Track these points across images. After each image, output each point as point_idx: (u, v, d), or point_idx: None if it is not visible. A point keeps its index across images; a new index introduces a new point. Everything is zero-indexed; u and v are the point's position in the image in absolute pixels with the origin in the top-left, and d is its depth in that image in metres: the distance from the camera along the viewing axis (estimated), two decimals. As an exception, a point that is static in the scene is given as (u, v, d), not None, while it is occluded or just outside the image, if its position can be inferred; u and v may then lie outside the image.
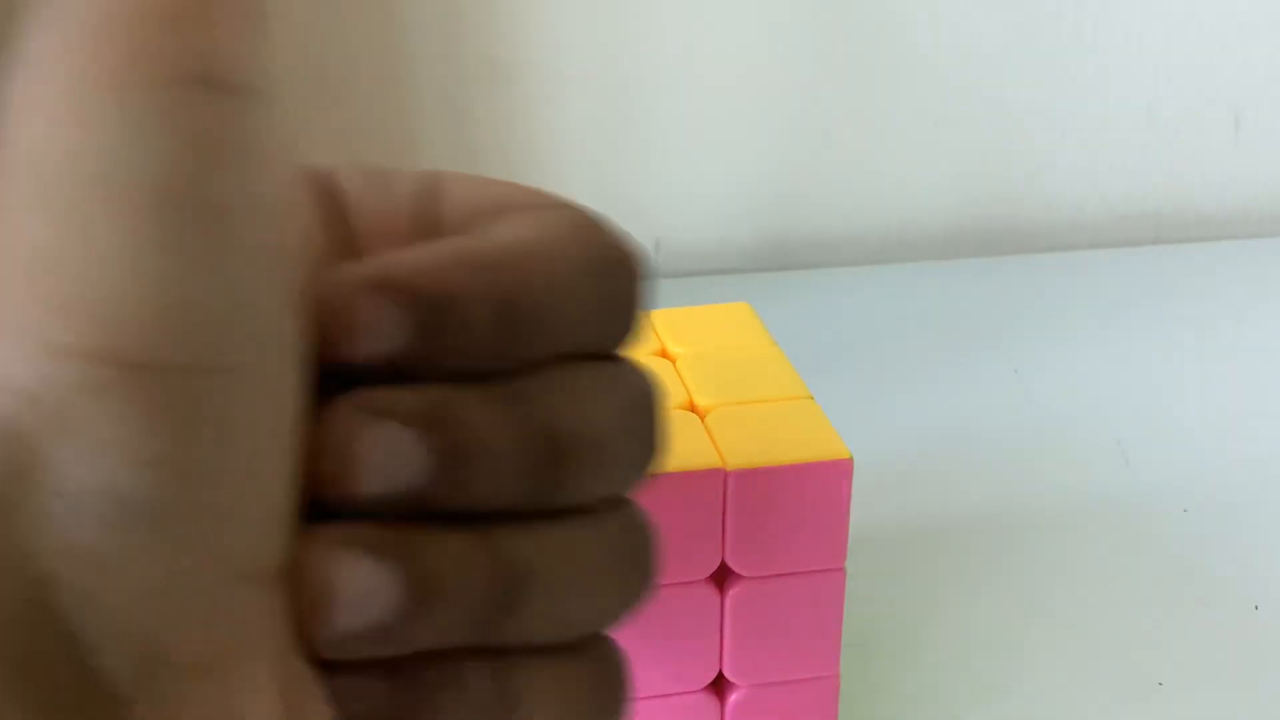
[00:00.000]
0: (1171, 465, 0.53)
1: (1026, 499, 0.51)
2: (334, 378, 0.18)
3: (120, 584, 0.15)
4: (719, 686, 0.35)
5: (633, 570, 0.20)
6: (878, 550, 0.47)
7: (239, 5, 0.16)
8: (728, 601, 0.33)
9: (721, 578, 0.33)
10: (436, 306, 0.17)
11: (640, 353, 0.42)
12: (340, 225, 0.20)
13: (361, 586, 0.17)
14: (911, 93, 0.72)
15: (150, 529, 0.15)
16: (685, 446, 0.33)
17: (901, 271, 0.72)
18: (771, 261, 0.75)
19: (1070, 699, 0.41)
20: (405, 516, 0.18)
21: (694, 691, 0.34)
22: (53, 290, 0.15)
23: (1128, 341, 0.63)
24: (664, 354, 0.42)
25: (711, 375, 0.40)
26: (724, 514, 0.33)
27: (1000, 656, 0.43)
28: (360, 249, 0.20)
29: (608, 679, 0.20)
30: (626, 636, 0.21)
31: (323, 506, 0.17)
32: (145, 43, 0.15)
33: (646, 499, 0.21)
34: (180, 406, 0.15)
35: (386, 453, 0.17)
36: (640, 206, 0.73)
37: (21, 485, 0.15)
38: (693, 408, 0.39)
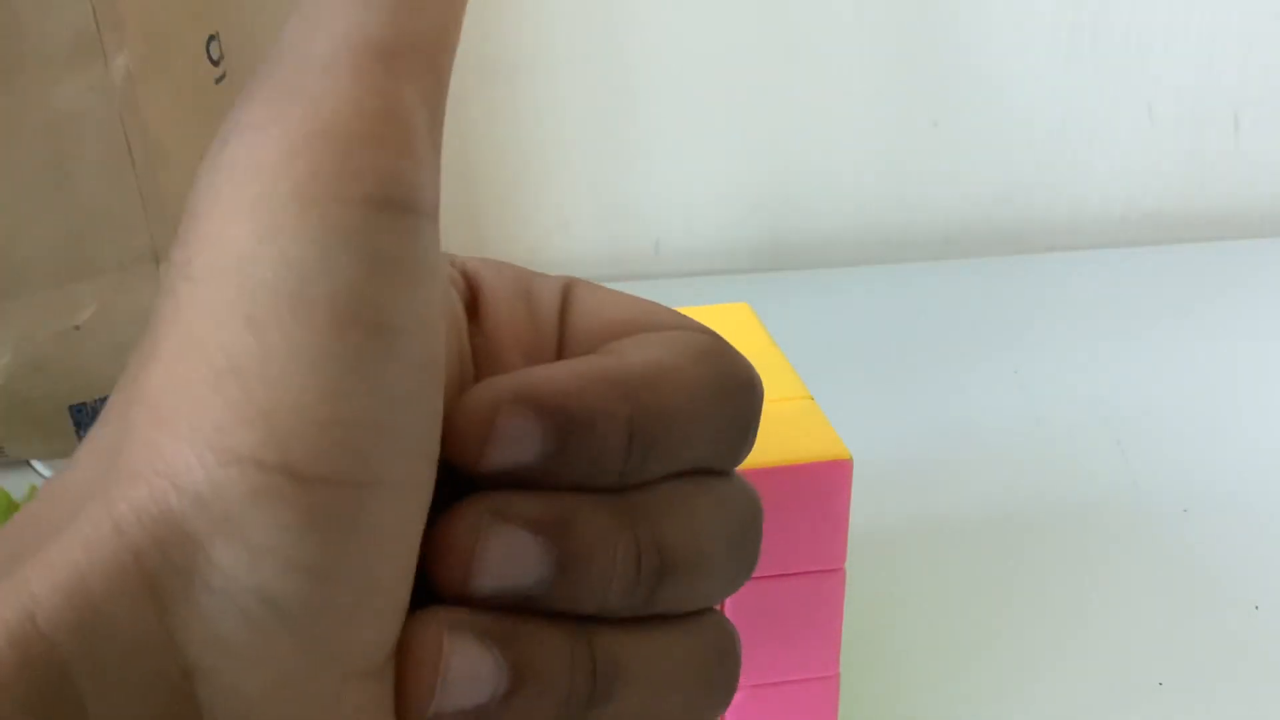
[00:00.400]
0: (1171, 465, 0.53)
1: (1026, 499, 0.51)
2: (452, 474, 0.18)
3: (253, 677, 0.16)
4: (719, 686, 0.35)
5: (716, 679, 0.20)
6: (878, 550, 0.47)
7: (417, 130, 0.17)
8: (727, 601, 0.33)
9: (721, 578, 0.33)
10: (573, 424, 0.18)
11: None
12: (476, 325, 0.21)
13: (470, 669, 0.17)
14: (911, 93, 0.72)
15: (289, 628, 0.16)
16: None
17: (901, 271, 0.72)
18: (771, 261, 0.75)
19: (1070, 699, 0.41)
20: (510, 608, 0.18)
21: (694, 691, 0.34)
22: (238, 398, 0.15)
23: (1128, 341, 0.63)
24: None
25: (711, 375, 0.40)
26: (724, 514, 0.33)
27: (1000, 656, 0.43)
28: (493, 349, 0.21)
29: None
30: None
31: (430, 590, 0.18)
32: (342, 163, 0.16)
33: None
34: (335, 517, 0.16)
35: (508, 555, 0.18)
36: (640, 206, 0.73)
37: (181, 580, 0.15)
38: (693, 408, 0.39)
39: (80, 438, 0.53)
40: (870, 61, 0.71)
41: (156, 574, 0.15)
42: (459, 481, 0.18)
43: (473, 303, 0.21)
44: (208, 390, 0.16)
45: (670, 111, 0.71)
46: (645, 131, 0.72)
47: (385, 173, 0.16)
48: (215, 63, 0.54)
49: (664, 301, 0.47)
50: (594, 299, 0.22)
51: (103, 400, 0.52)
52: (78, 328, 0.50)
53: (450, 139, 0.73)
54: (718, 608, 0.21)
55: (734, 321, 0.43)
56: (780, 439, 0.34)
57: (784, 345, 0.41)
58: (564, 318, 0.21)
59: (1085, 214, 0.76)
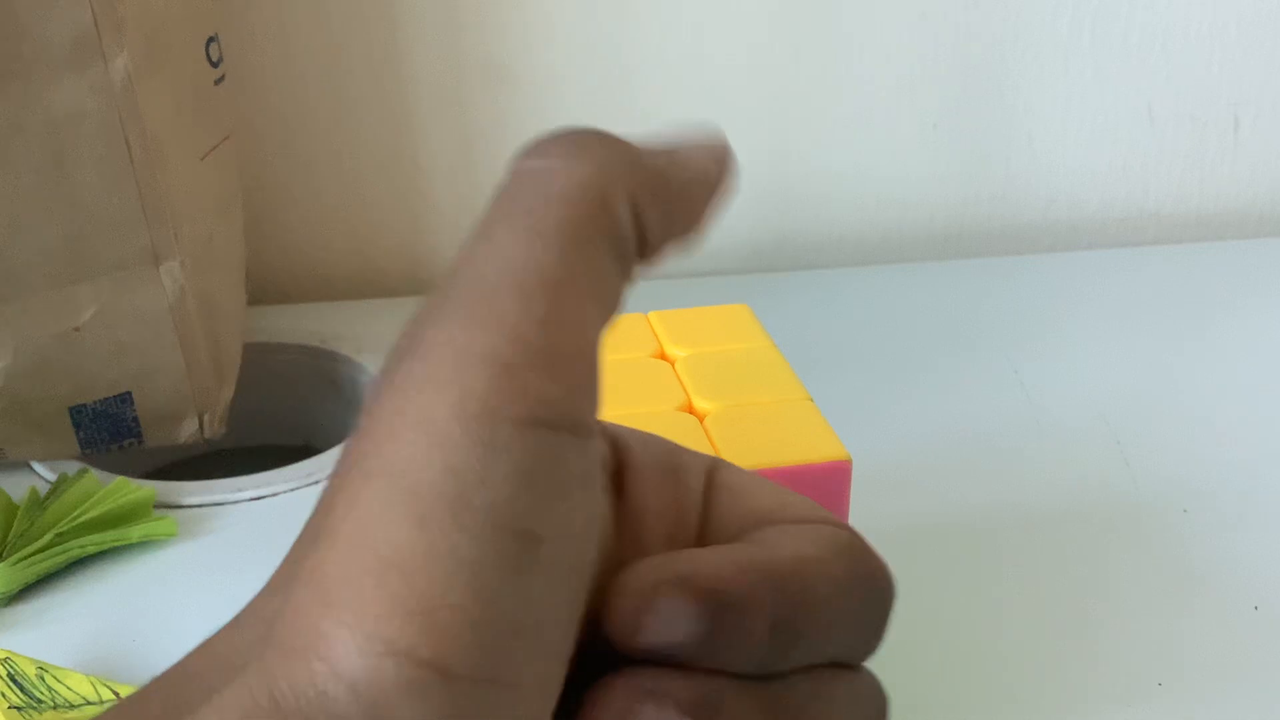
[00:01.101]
0: (1171, 465, 0.53)
1: (1026, 499, 0.51)
2: (592, 640, 0.19)
3: None
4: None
5: None
6: (878, 550, 0.47)
7: (580, 356, 0.18)
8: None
9: (721, 578, 0.33)
10: (726, 610, 0.19)
11: (639, 353, 0.42)
12: (620, 497, 0.22)
13: None
14: (911, 93, 0.72)
15: None
16: (685, 447, 0.33)
17: (901, 271, 0.72)
18: (771, 261, 0.75)
19: (1070, 699, 0.41)
20: None
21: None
22: (401, 592, 0.17)
23: (1128, 341, 0.63)
24: (663, 355, 0.42)
25: (711, 376, 0.40)
26: (724, 514, 0.32)
27: (999, 656, 0.43)
28: (635, 524, 0.22)
29: None
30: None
31: None
32: (506, 385, 0.17)
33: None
34: (472, 714, 0.17)
35: None
36: (640, 207, 0.73)
37: None
38: (692, 409, 0.39)
39: (80, 439, 0.53)
40: (870, 63, 0.71)
41: None
42: (596, 646, 0.19)
43: (618, 473, 0.22)
44: (373, 582, 0.17)
45: (670, 111, 0.71)
46: (645, 131, 0.72)
47: (544, 396, 0.18)
48: (215, 63, 0.54)
49: (664, 301, 0.47)
50: (738, 484, 0.23)
51: (102, 401, 0.52)
52: (77, 329, 0.50)
53: (453, 141, 0.73)
54: None
55: (734, 321, 0.43)
56: (780, 439, 0.34)
57: (784, 345, 0.41)
58: (708, 499, 0.23)
59: (1085, 214, 0.76)
